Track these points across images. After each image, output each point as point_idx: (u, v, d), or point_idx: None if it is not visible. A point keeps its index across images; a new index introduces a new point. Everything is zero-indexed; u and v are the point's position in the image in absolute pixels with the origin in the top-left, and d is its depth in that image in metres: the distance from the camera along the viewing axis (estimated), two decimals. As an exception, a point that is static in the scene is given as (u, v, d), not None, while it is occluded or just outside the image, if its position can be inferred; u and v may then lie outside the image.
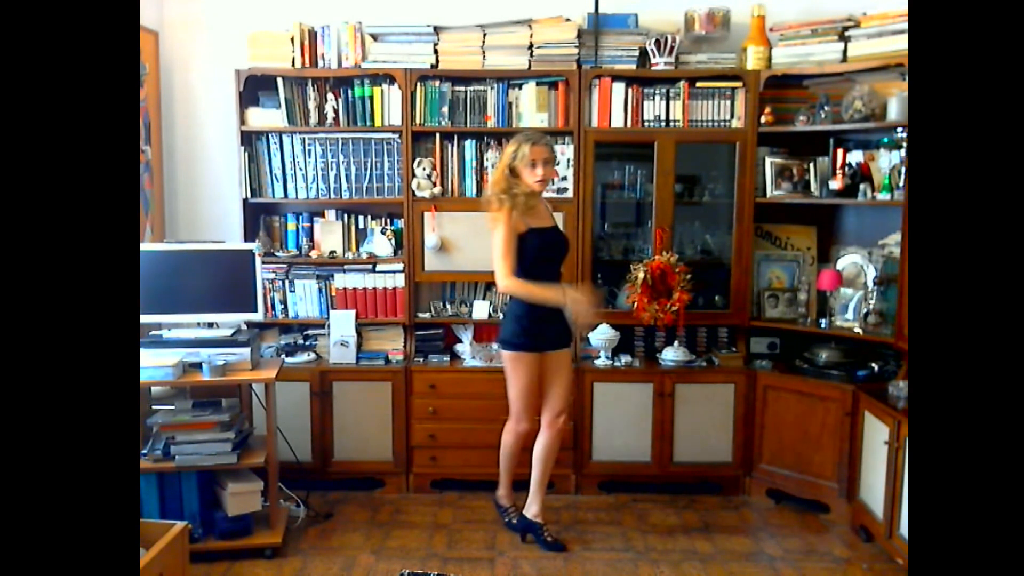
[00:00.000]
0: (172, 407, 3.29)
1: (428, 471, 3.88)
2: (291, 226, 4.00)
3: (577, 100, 3.75)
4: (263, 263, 3.61)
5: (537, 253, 3.14)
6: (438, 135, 3.82)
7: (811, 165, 3.78)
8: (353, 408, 3.82)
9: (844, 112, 3.59)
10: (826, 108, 3.66)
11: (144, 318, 3.20)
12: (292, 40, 3.77)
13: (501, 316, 3.92)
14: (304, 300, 3.94)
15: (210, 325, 3.42)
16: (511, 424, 3.36)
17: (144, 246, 3.34)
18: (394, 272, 3.89)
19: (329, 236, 3.97)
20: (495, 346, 3.26)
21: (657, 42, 3.73)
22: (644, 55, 3.80)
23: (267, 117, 3.84)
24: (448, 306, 4.03)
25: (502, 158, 3.20)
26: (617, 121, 3.79)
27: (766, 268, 3.98)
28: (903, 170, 3.39)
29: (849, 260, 3.80)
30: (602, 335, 3.83)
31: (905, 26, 3.38)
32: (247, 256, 3.41)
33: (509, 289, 3.14)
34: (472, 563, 3.21)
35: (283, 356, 3.81)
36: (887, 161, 3.52)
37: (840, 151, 3.68)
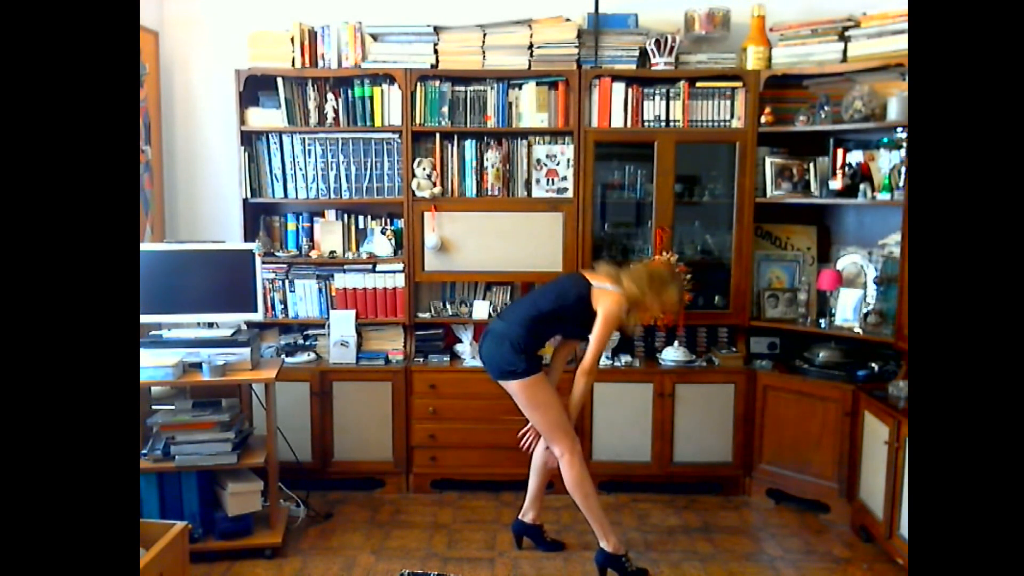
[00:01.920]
0: (172, 407, 3.29)
1: (428, 471, 3.87)
2: (291, 226, 4.00)
3: (577, 100, 3.75)
4: (263, 263, 3.61)
5: None
6: (438, 135, 3.82)
7: (811, 165, 3.78)
8: (353, 408, 3.82)
9: (844, 112, 3.59)
10: (826, 108, 3.66)
11: (144, 318, 3.20)
12: (292, 40, 3.77)
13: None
14: (304, 300, 3.94)
15: (210, 325, 3.42)
16: (570, 456, 3.06)
17: (144, 246, 3.34)
18: (394, 272, 3.89)
19: (329, 236, 3.97)
20: (511, 382, 3.07)
21: (657, 42, 3.73)
22: (644, 55, 3.80)
23: (267, 117, 3.84)
24: (448, 306, 4.03)
25: (653, 282, 3.02)
26: (617, 121, 3.79)
27: (766, 268, 3.98)
28: (903, 170, 3.39)
29: (849, 260, 3.80)
30: (602, 335, 3.83)
31: (905, 26, 3.38)
32: (247, 256, 3.41)
33: (588, 383, 3.07)
34: (472, 563, 3.21)
35: (283, 356, 3.81)
36: (887, 161, 3.52)
37: (840, 151, 3.68)
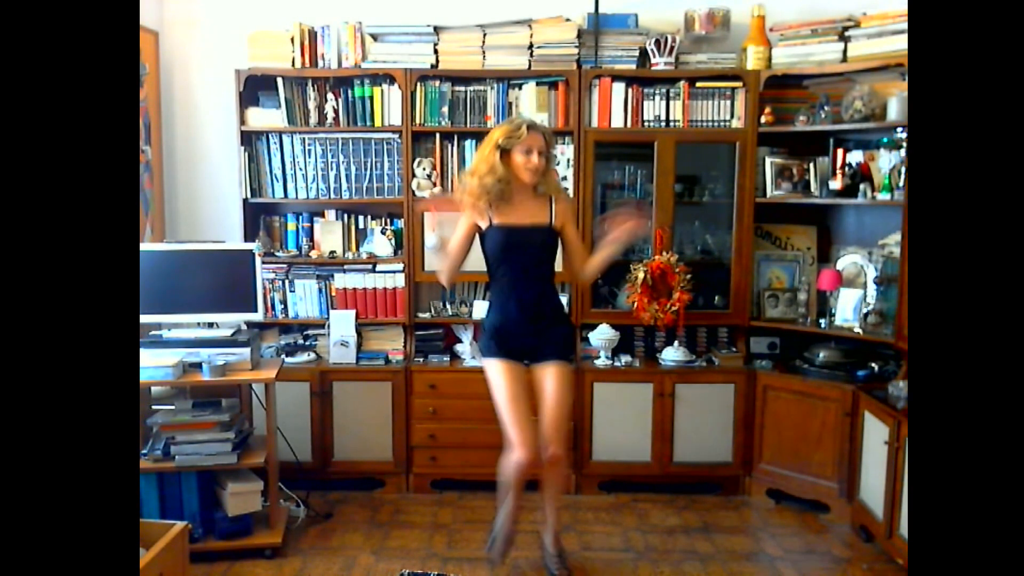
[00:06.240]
0: (172, 407, 3.29)
1: (428, 471, 3.87)
2: (291, 226, 4.00)
3: (577, 100, 3.75)
4: (263, 263, 3.61)
5: (497, 253, 2.90)
6: (438, 135, 3.82)
7: (811, 165, 3.78)
8: (353, 408, 3.82)
9: (844, 112, 3.59)
10: (826, 108, 3.66)
11: (144, 318, 3.20)
12: (292, 40, 3.77)
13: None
14: (304, 300, 3.94)
15: (210, 325, 3.42)
16: (566, 451, 3.14)
17: (144, 246, 3.34)
18: (394, 272, 3.89)
19: (329, 236, 3.97)
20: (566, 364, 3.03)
21: (657, 42, 3.73)
22: (644, 55, 3.80)
23: (267, 117, 3.84)
24: (448, 306, 4.03)
25: (491, 134, 2.90)
26: (617, 121, 3.79)
27: (766, 268, 3.98)
28: (903, 170, 3.39)
29: (849, 260, 3.80)
30: (602, 335, 3.83)
31: (905, 26, 3.38)
32: (247, 256, 3.41)
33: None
34: (472, 563, 3.21)
35: (283, 356, 3.81)
36: (887, 161, 3.52)
37: (840, 151, 3.68)
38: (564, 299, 3.78)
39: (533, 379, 2.96)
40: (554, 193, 2.98)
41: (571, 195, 3.79)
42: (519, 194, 2.91)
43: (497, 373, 2.92)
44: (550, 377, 2.93)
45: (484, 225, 2.91)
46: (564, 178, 3.80)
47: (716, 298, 3.92)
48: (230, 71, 3.78)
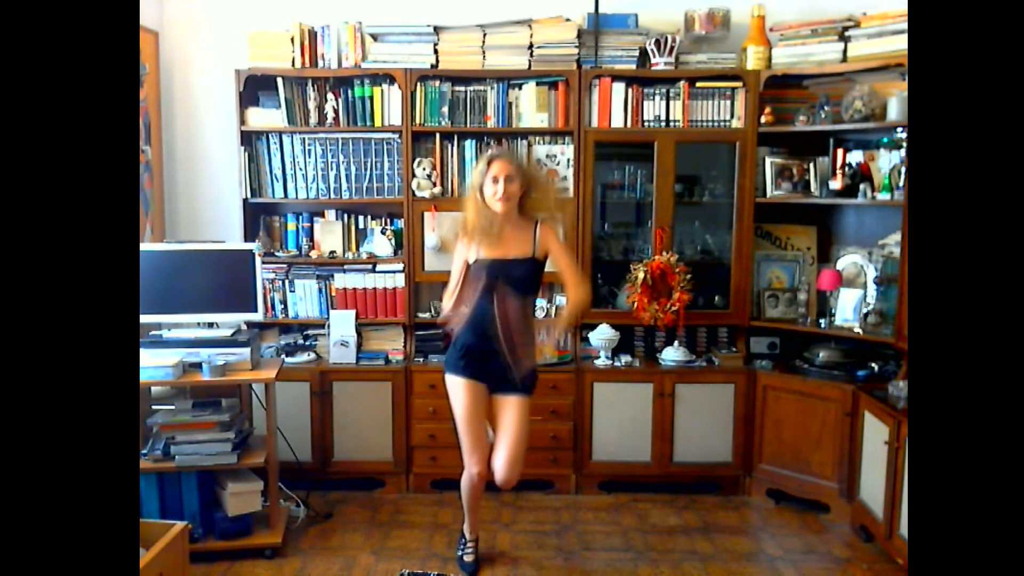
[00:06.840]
0: (172, 407, 3.29)
1: (428, 471, 3.87)
2: (291, 226, 4.00)
3: (577, 100, 3.75)
4: (263, 263, 3.61)
5: (478, 284, 2.91)
6: (438, 135, 3.82)
7: (811, 165, 3.78)
8: (353, 408, 3.82)
9: (844, 112, 3.59)
10: (826, 108, 3.66)
11: (144, 318, 3.20)
12: (292, 40, 3.77)
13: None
14: (304, 300, 3.94)
15: (210, 325, 3.41)
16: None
17: (144, 246, 3.34)
18: (394, 272, 3.89)
19: (329, 236, 3.97)
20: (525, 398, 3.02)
21: (657, 42, 3.73)
22: (644, 55, 3.80)
23: (267, 117, 3.84)
24: (448, 306, 4.03)
25: (472, 181, 3.01)
26: (617, 121, 3.79)
27: (766, 268, 3.98)
28: (903, 170, 3.39)
29: (849, 260, 3.80)
30: (602, 335, 3.84)
31: (905, 26, 3.38)
32: (247, 256, 3.41)
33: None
34: (472, 563, 3.21)
35: (283, 356, 3.80)
36: (887, 161, 3.52)
37: (840, 151, 3.68)
38: (562, 299, 3.79)
39: (494, 406, 2.99)
40: (537, 212, 2.99)
41: (569, 194, 3.79)
42: (504, 227, 2.93)
43: (459, 392, 2.97)
44: (513, 410, 2.95)
45: (471, 259, 2.95)
46: (564, 178, 3.80)
47: (716, 298, 3.92)
48: (230, 71, 3.78)
